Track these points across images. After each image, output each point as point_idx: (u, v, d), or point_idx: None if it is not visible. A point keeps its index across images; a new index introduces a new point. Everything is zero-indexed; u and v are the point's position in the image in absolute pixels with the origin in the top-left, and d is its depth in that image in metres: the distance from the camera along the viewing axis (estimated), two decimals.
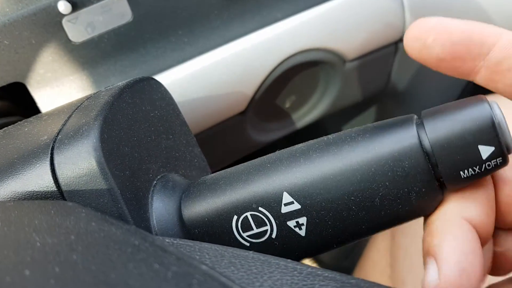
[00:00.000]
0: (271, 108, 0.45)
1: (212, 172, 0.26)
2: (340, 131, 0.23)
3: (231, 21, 0.38)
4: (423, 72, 0.50)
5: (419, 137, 0.20)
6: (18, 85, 0.34)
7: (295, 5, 0.39)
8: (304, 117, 0.48)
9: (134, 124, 0.26)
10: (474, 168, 0.19)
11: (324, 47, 0.41)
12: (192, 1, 0.36)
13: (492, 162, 0.19)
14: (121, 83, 0.27)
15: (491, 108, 0.19)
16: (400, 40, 0.45)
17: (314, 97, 0.47)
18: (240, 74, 0.39)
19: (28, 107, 0.36)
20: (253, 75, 0.39)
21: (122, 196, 0.22)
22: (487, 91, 0.22)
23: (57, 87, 0.34)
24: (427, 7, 0.43)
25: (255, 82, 0.40)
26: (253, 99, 0.41)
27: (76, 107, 0.25)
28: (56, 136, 0.23)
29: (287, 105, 0.46)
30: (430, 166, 0.20)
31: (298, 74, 0.43)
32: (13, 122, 0.31)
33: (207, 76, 0.38)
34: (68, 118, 0.24)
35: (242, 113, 0.42)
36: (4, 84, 0.32)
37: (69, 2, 0.32)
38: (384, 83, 0.50)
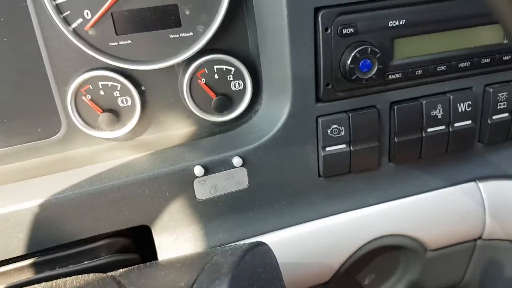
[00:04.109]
0: (351, 282, 0.47)
1: None
2: None
3: (328, 200, 0.43)
4: (499, 273, 0.51)
5: None
6: (142, 227, 0.39)
7: (386, 194, 0.44)
8: None
9: (251, 284, 0.29)
10: None
11: (409, 234, 0.44)
12: (298, 179, 0.41)
13: None
14: (243, 244, 0.32)
15: None
16: (479, 238, 0.48)
17: (392, 279, 0.49)
18: (330, 247, 0.42)
19: (144, 248, 0.41)
20: (342, 250, 0.43)
21: None
22: None
23: (175, 235, 0.39)
24: (507, 211, 0.47)
25: (343, 256, 0.43)
26: (337, 271, 0.44)
27: (208, 262, 0.29)
28: (192, 285, 0.27)
29: (366, 281, 0.48)
30: None
31: (381, 254, 0.46)
32: (131, 260, 0.36)
33: (300, 244, 0.42)
34: (201, 270, 0.28)
35: (325, 284, 0.44)
36: (135, 224, 0.38)
37: (203, 167, 0.38)
38: (461, 278, 0.51)
